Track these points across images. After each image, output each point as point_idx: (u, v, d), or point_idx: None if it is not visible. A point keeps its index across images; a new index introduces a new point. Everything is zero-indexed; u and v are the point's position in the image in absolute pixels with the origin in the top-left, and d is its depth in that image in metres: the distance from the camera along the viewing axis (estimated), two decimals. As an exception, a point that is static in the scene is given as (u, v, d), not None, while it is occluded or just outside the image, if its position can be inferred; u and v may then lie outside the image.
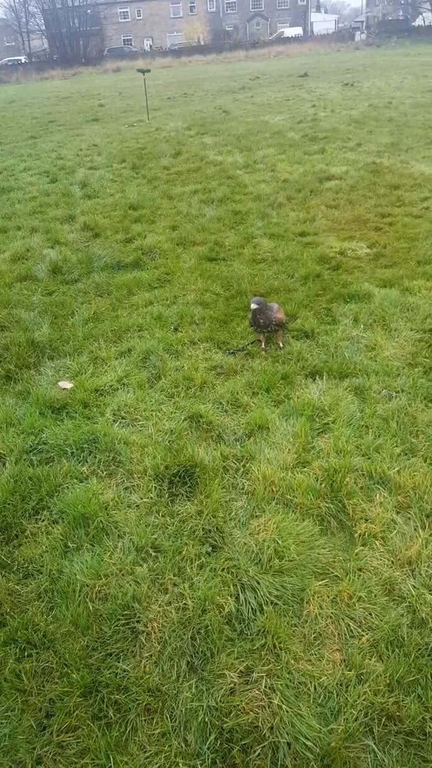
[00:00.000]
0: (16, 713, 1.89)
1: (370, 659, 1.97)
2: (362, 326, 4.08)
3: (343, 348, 3.80)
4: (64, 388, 3.58)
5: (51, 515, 2.64)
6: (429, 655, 1.96)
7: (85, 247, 6.14)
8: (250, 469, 2.80)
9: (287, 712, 1.83)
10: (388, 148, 9.65)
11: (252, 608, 2.15)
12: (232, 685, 1.92)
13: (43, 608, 2.21)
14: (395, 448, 2.88)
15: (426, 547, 2.35)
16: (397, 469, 2.73)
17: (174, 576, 2.29)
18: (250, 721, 1.82)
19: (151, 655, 2.03)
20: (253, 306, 3.65)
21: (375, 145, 9.97)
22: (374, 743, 1.76)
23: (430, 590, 2.18)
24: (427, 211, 6.46)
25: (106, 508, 2.63)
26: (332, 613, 2.13)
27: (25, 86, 36.82)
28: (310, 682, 1.91)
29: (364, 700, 1.85)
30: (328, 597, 2.18)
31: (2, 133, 15.57)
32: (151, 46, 62.16)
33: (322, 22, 66.07)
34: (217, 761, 1.74)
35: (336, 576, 2.26)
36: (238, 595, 2.19)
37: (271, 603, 2.16)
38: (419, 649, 1.98)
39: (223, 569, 2.30)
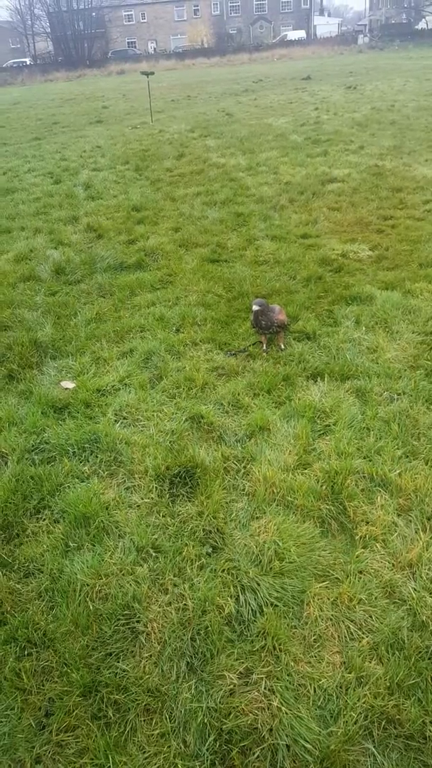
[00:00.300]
0: (16, 712, 1.89)
1: (370, 662, 1.97)
2: (364, 328, 4.08)
3: (345, 350, 3.80)
4: (67, 388, 3.58)
5: (52, 514, 2.64)
6: (429, 659, 1.96)
7: (89, 248, 6.15)
8: (251, 471, 2.80)
9: (287, 714, 1.82)
10: (390, 151, 9.66)
11: (252, 610, 2.14)
12: (231, 686, 1.91)
13: (44, 607, 2.21)
14: (396, 450, 2.88)
15: (427, 550, 2.34)
16: (398, 471, 2.73)
17: (174, 576, 2.29)
18: (249, 722, 1.81)
19: (150, 656, 2.03)
20: (255, 307, 3.66)
21: (377, 147, 9.98)
22: (374, 746, 1.76)
23: (430, 593, 2.18)
24: (429, 214, 6.47)
25: (107, 508, 2.63)
26: (332, 615, 2.13)
27: (30, 88, 36.95)
28: (310, 684, 1.91)
29: (363, 702, 1.84)
30: (329, 599, 2.18)
31: (7, 135, 15.62)
32: (155, 48, 62.31)
33: (325, 26, 66.23)
34: (216, 763, 1.74)
35: (336, 578, 2.26)
36: (239, 596, 2.19)
37: (272, 604, 2.15)
38: (419, 652, 1.98)
39: (224, 570, 2.29)
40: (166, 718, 1.85)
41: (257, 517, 2.54)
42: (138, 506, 2.66)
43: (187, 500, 2.67)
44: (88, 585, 2.25)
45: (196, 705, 1.86)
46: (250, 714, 1.83)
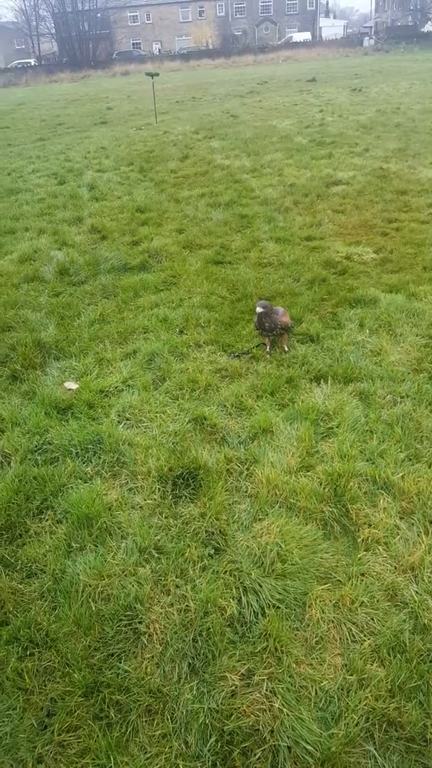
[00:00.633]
0: (18, 712, 1.89)
1: (371, 664, 1.97)
2: (368, 331, 4.08)
3: (348, 352, 3.80)
4: (70, 389, 3.60)
5: (55, 515, 2.65)
6: (431, 661, 1.96)
7: (92, 249, 6.17)
8: (254, 473, 2.81)
9: (288, 715, 1.82)
10: (395, 154, 9.66)
11: (254, 611, 2.15)
12: (233, 687, 1.92)
13: (46, 608, 2.22)
14: (399, 453, 2.88)
15: (429, 553, 2.34)
16: (401, 474, 2.73)
17: (176, 578, 2.30)
18: (250, 724, 1.82)
19: (152, 657, 2.03)
20: (259, 309, 3.66)
21: (382, 150, 9.98)
22: (375, 749, 1.76)
23: (432, 596, 2.18)
24: (433, 217, 6.46)
25: (109, 509, 2.63)
26: (334, 617, 2.13)
27: (35, 89, 37.05)
28: (312, 686, 1.91)
29: (365, 705, 1.85)
30: (331, 601, 2.18)
31: (11, 135, 15.67)
32: (159, 49, 62.42)
33: (330, 28, 66.23)
34: (218, 764, 1.74)
35: (338, 580, 2.26)
36: (241, 597, 2.19)
37: (274, 606, 2.16)
38: (421, 655, 1.98)
39: (226, 572, 2.30)
40: (167, 719, 1.85)
41: (260, 519, 2.55)
42: (141, 507, 2.67)
43: (189, 502, 2.68)
44: (90, 586, 2.26)
45: (198, 706, 1.87)
46: (252, 715, 1.84)
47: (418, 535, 2.44)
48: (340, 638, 2.06)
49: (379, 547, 2.40)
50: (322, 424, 3.14)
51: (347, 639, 2.06)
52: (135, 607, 2.17)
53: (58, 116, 19.41)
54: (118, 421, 3.26)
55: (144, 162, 10.52)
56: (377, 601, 2.18)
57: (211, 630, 2.07)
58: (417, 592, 2.19)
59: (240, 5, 64.62)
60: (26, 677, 1.98)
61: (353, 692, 1.88)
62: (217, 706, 1.86)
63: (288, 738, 1.77)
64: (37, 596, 2.27)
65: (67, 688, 1.94)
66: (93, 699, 1.91)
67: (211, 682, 1.94)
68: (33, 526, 2.60)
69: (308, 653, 2.02)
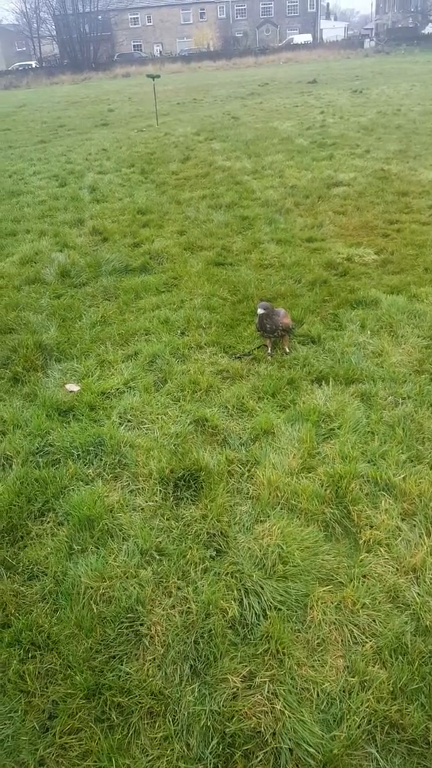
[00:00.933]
0: (20, 714, 1.89)
1: (373, 666, 1.97)
2: (369, 332, 4.08)
3: (350, 354, 3.80)
4: (71, 391, 3.60)
5: (56, 517, 2.65)
6: (433, 663, 1.96)
7: (94, 251, 6.17)
8: (255, 474, 2.81)
9: (290, 717, 1.82)
10: (396, 155, 9.66)
11: (256, 613, 2.14)
12: (234, 689, 1.91)
13: (48, 610, 2.22)
14: (401, 454, 2.88)
15: (431, 555, 2.34)
16: (402, 476, 2.73)
17: (178, 580, 2.30)
18: (252, 726, 1.82)
19: (154, 659, 2.03)
20: (260, 311, 3.66)
21: (383, 152, 9.99)
22: (377, 751, 1.76)
23: (434, 598, 2.17)
24: (435, 218, 6.46)
25: (111, 511, 2.64)
26: (336, 619, 2.13)
27: (36, 91, 37.12)
28: (313, 688, 1.91)
29: (367, 707, 1.84)
30: (332, 603, 2.18)
31: (13, 137, 15.70)
32: (161, 51, 62.54)
33: (331, 29, 66.34)
34: (219, 766, 1.74)
35: (340, 582, 2.26)
36: (242, 599, 2.19)
37: (275, 608, 2.16)
38: (423, 657, 1.98)
39: (227, 574, 2.30)
40: (169, 721, 1.85)
41: (261, 521, 2.55)
42: (142, 509, 2.67)
43: (191, 503, 2.68)
44: (92, 588, 2.26)
45: (200, 708, 1.86)
46: (253, 717, 1.83)
47: (420, 537, 2.44)
48: (342, 640, 2.06)
49: (381, 549, 2.39)
50: (323, 425, 3.14)
51: (349, 641, 2.06)
52: (136, 609, 2.17)
53: (59, 118, 19.44)
54: (120, 423, 3.26)
55: (145, 164, 10.53)
56: (379, 602, 2.17)
57: (213, 632, 2.07)
58: (419, 594, 2.19)
59: (241, 7, 64.76)
60: (28, 680, 1.98)
61: (355, 694, 1.88)
62: (219, 708, 1.86)
63: (290, 740, 1.77)
64: (38, 598, 2.27)
65: (69, 691, 1.94)
66: (94, 701, 1.91)
67: (213, 684, 1.94)
68: (34, 528, 2.60)
69: (310, 655, 2.02)
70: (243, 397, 3.41)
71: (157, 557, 2.40)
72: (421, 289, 4.67)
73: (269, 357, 3.86)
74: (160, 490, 2.75)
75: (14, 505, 2.68)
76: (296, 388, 3.50)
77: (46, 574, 2.37)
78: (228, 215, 7.07)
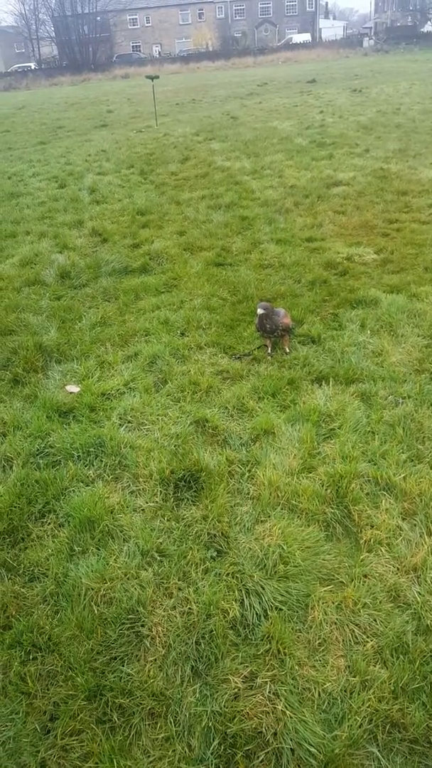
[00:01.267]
0: (21, 716, 1.90)
1: (374, 666, 1.97)
2: (369, 332, 4.07)
3: (350, 353, 3.80)
4: (71, 392, 3.60)
5: (57, 518, 2.65)
6: (434, 663, 1.96)
7: (93, 252, 6.18)
8: (256, 474, 2.81)
9: (291, 718, 1.82)
10: (396, 154, 9.66)
11: (257, 613, 2.14)
12: (236, 690, 1.92)
13: (49, 611, 2.22)
14: (401, 454, 2.88)
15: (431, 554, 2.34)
16: (403, 475, 2.73)
17: (179, 580, 2.30)
18: (253, 726, 1.82)
19: (155, 660, 2.03)
20: (260, 311, 3.67)
21: (383, 151, 9.98)
22: (378, 750, 1.75)
23: (435, 597, 2.17)
24: (434, 217, 6.45)
25: (111, 512, 2.64)
26: (337, 619, 2.13)
27: (35, 92, 37.15)
28: (315, 688, 1.91)
29: (368, 706, 1.84)
30: (333, 603, 2.18)
31: (12, 139, 15.71)
32: (159, 52, 62.55)
33: (330, 28, 66.32)
34: (221, 766, 1.74)
35: (341, 582, 2.26)
36: (243, 600, 2.19)
37: (276, 608, 2.16)
38: (424, 656, 1.97)
39: (228, 574, 2.30)
40: (170, 722, 1.85)
41: (262, 521, 2.55)
42: (143, 510, 2.67)
43: (191, 504, 2.68)
44: (92, 589, 2.26)
45: (201, 709, 1.87)
46: (255, 718, 1.83)
47: (421, 536, 2.44)
48: (343, 640, 2.06)
49: (382, 549, 2.39)
50: (323, 425, 3.14)
51: (350, 640, 2.06)
52: (137, 611, 2.17)
53: (58, 119, 19.45)
54: (120, 424, 3.26)
55: (144, 164, 10.54)
56: (380, 602, 2.17)
57: (214, 633, 2.07)
58: (420, 593, 2.19)
59: (239, 7, 64.75)
60: (29, 681, 1.98)
61: (356, 694, 1.88)
62: (220, 708, 1.86)
63: (291, 740, 1.77)
64: (39, 600, 2.27)
65: (70, 692, 1.94)
66: (96, 703, 1.91)
67: (214, 684, 1.94)
68: (35, 529, 2.60)
69: (311, 655, 2.02)
70: (243, 398, 3.41)
71: (158, 558, 2.40)
72: (421, 288, 4.66)
73: (269, 357, 3.86)
74: (161, 491, 2.75)
75: (15, 507, 2.69)
76: (296, 388, 3.50)
77: (46, 576, 2.37)
78: (227, 215, 7.07)
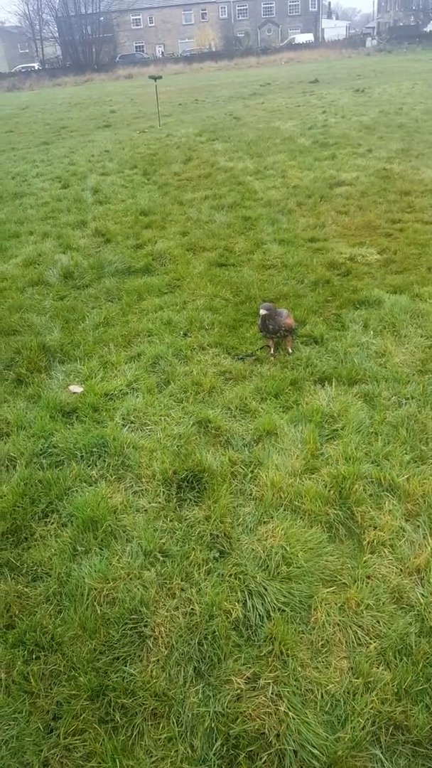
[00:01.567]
0: (24, 715, 1.90)
1: (377, 667, 1.97)
2: (372, 332, 4.07)
3: (353, 354, 3.79)
4: (75, 392, 3.61)
5: (60, 518, 2.65)
6: (437, 664, 1.95)
7: (97, 252, 6.18)
8: (258, 475, 2.81)
9: (294, 719, 1.82)
10: (398, 154, 9.65)
11: (259, 614, 2.14)
12: (238, 691, 1.92)
13: (52, 611, 2.23)
14: (405, 455, 2.87)
15: (435, 555, 2.34)
16: (406, 476, 2.72)
17: (181, 581, 2.30)
18: (256, 727, 1.82)
19: (158, 660, 2.03)
20: (263, 311, 3.66)
21: (385, 151, 9.97)
22: (381, 753, 1.75)
23: (438, 599, 2.17)
24: (437, 218, 6.45)
25: (114, 512, 2.64)
26: (340, 620, 2.12)
27: (38, 92, 37.20)
28: (317, 690, 1.91)
29: (371, 708, 1.84)
30: (336, 604, 2.18)
31: (15, 139, 15.74)
32: (162, 52, 62.61)
33: (333, 29, 66.27)
34: (224, 767, 1.74)
35: (344, 583, 2.26)
36: (246, 601, 2.19)
37: (279, 609, 2.16)
38: (427, 658, 1.97)
39: (231, 575, 2.30)
40: (173, 723, 1.85)
41: (264, 522, 2.55)
42: (145, 510, 2.67)
43: (194, 505, 2.68)
44: (95, 589, 2.26)
45: (204, 709, 1.87)
46: (258, 719, 1.83)
47: (424, 538, 2.43)
48: (346, 641, 2.06)
49: (385, 550, 2.39)
50: (326, 426, 3.14)
51: (353, 642, 2.06)
52: (140, 611, 2.18)
53: (61, 120, 19.49)
54: (123, 425, 3.26)
55: (147, 165, 10.54)
56: (383, 603, 2.17)
57: (217, 633, 2.07)
58: (423, 595, 2.19)
59: (242, 7, 64.75)
60: (32, 680, 1.98)
61: (359, 696, 1.88)
62: (223, 709, 1.86)
63: (294, 742, 1.77)
64: (42, 599, 2.28)
65: (73, 692, 1.94)
66: (99, 702, 1.92)
67: (217, 685, 1.94)
68: (38, 529, 2.61)
69: (314, 656, 2.02)
70: (246, 398, 3.41)
71: (161, 558, 2.40)
72: (425, 288, 4.66)
73: (272, 358, 3.85)
74: (164, 492, 2.75)
75: (18, 507, 2.69)
76: (299, 388, 3.50)
77: (50, 576, 2.37)
78: (230, 216, 7.07)
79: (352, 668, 1.97)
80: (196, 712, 1.86)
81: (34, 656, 2.07)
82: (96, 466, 2.96)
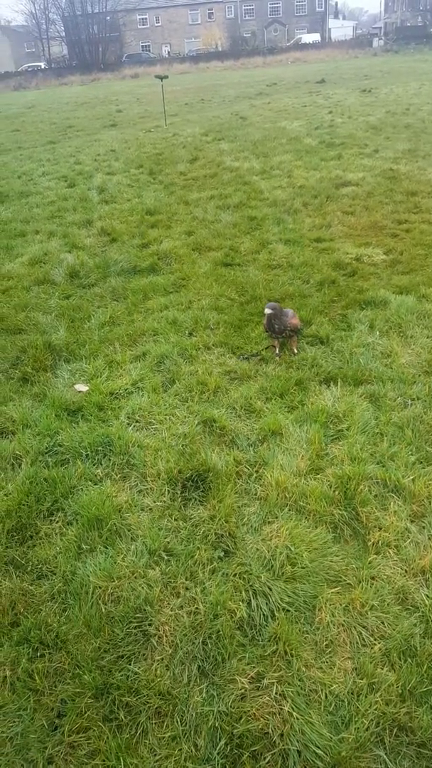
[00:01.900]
0: (29, 712, 1.90)
1: (381, 668, 1.96)
2: (378, 333, 4.06)
3: (359, 354, 3.79)
4: (80, 391, 3.61)
5: (65, 517, 2.66)
6: (442, 666, 1.95)
7: (102, 251, 6.19)
8: (263, 475, 2.80)
9: (298, 719, 1.82)
10: (405, 155, 9.62)
11: (264, 614, 2.14)
12: (242, 690, 1.92)
13: (56, 609, 2.23)
14: (410, 456, 2.87)
15: (440, 557, 2.33)
16: (411, 477, 2.72)
17: (186, 580, 2.30)
18: (260, 727, 1.82)
19: (162, 659, 2.04)
20: (268, 311, 3.66)
21: (392, 151, 9.95)
22: (385, 754, 1.75)
23: (443, 600, 2.17)
24: (444, 218, 6.43)
25: (119, 511, 2.64)
26: (344, 621, 2.12)
27: (45, 92, 37.27)
28: (321, 690, 1.91)
29: (375, 709, 1.84)
30: (341, 605, 2.17)
31: (22, 138, 15.78)
32: (169, 52, 62.64)
33: (339, 28, 66.19)
34: (227, 767, 1.74)
35: (348, 584, 2.25)
36: (250, 600, 2.19)
37: (283, 609, 2.15)
38: (432, 659, 1.97)
39: (235, 574, 2.30)
40: (177, 721, 1.85)
41: (269, 522, 2.55)
42: (150, 509, 2.67)
43: (199, 504, 2.68)
44: (100, 587, 2.27)
45: (208, 709, 1.87)
46: (261, 719, 1.83)
47: (429, 539, 2.43)
48: (350, 642, 2.06)
49: (390, 551, 2.39)
50: (331, 426, 3.13)
51: (357, 642, 2.05)
52: (145, 610, 2.18)
53: (67, 119, 19.52)
54: (128, 424, 3.27)
55: (153, 164, 10.55)
56: (387, 604, 2.17)
57: (221, 633, 2.07)
58: (428, 596, 2.18)
59: (249, 7, 64.74)
60: (37, 678, 1.99)
61: (363, 696, 1.88)
62: (227, 709, 1.86)
63: (298, 742, 1.77)
64: (47, 597, 2.28)
65: (77, 690, 1.95)
66: (103, 700, 1.92)
67: (221, 684, 1.94)
68: (43, 527, 2.61)
69: (318, 657, 2.01)
70: (251, 398, 3.40)
71: (166, 557, 2.41)
72: (431, 289, 4.64)
73: (277, 358, 3.85)
74: (169, 491, 2.75)
75: (24, 505, 2.70)
76: (304, 389, 3.49)
77: (54, 574, 2.38)
78: (236, 216, 7.07)
79: (356, 669, 1.97)
80: (200, 711, 1.87)
81: (38, 654, 2.07)
82: (101, 464, 2.97)
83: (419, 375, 3.56)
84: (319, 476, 2.78)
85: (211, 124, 15.28)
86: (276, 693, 1.90)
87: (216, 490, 2.71)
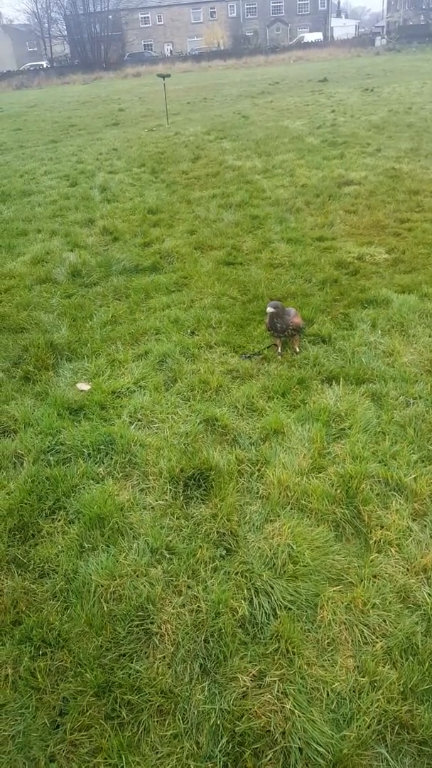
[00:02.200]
0: (31, 711, 1.91)
1: (383, 666, 1.96)
2: (380, 332, 4.06)
3: (361, 353, 3.78)
4: (82, 390, 3.62)
5: (67, 515, 2.66)
6: (444, 665, 1.95)
7: (104, 250, 6.20)
8: (265, 474, 2.81)
9: (299, 717, 1.82)
10: (407, 154, 9.61)
11: (265, 612, 2.15)
12: (244, 688, 1.92)
13: (58, 607, 2.24)
14: (412, 455, 2.87)
15: (442, 556, 2.33)
16: (413, 476, 2.72)
17: (188, 578, 2.30)
18: (262, 725, 1.82)
19: (164, 657, 2.04)
20: (270, 310, 3.66)
21: (394, 150, 9.93)
22: (387, 751, 1.75)
23: (445, 599, 2.16)
24: (446, 217, 6.41)
25: (121, 510, 2.65)
26: (346, 619, 2.12)
27: (47, 91, 37.27)
28: (323, 688, 1.91)
29: (377, 707, 1.84)
30: (342, 603, 2.17)
31: (24, 137, 15.79)
32: (171, 51, 62.59)
33: (342, 27, 65.99)
34: (229, 764, 1.75)
35: (350, 582, 2.25)
36: (252, 599, 2.19)
37: (285, 608, 2.16)
38: (434, 657, 1.97)
39: (237, 573, 2.30)
40: (179, 719, 1.86)
41: (271, 520, 2.55)
42: (152, 508, 2.68)
43: (201, 502, 2.68)
44: (102, 586, 2.27)
45: (209, 707, 1.87)
46: (263, 717, 1.84)
47: (431, 537, 2.43)
48: (352, 640, 2.06)
49: (392, 549, 2.39)
50: (333, 425, 3.13)
51: (359, 641, 2.05)
52: (147, 608, 2.18)
53: (69, 118, 19.52)
54: (130, 422, 3.27)
55: (155, 163, 10.55)
56: (389, 603, 2.17)
57: (223, 631, 2.07)
58: (429, 594, 2.18)
59: (251, 6, 64.58)
60: (39, 676, 1.99)
61: (365, 694, 1.88)
62: (229, 707, 1.87)
63: (299, 739, 1.77)
64: (49, 596, 2.29)
65: (79, 688, 1.95)
66: (105, 699, 1.92)
67: (223, 683, 1.94)
68: (45, 526, 2.62)
69: (320, 655, 2.02)
70: (253, 397, 3.41)
71: (168, 556, 2.41)
72: (433, 288, 4.64)
73: (279, 356, 3.85)
74: (170, 489, 2.75)
75: (25, 503, 2.70)
76: (306, 387, 3.49)
77: (56, 572, 2.38)
78: (238, 214, 7.06)
79: (358, 667, 1.97)
80: (202, 709, 1.87)
81: (40, 652, 2.08)
82: (103, 463, 2.97)
83: (421, 374, 3.56)
84: (320, 475, 2.78)
85: (214, 122, 15.27)
86: (278, 691, 1.90)
87: (218, 489, 2.71)
